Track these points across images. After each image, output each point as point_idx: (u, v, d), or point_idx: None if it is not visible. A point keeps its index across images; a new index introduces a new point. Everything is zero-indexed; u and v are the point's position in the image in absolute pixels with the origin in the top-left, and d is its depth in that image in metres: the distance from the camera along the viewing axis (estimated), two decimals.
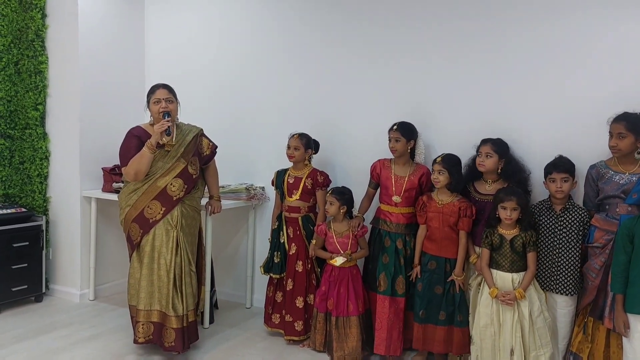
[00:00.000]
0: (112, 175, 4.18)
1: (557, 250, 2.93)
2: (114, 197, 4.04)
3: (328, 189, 3.55)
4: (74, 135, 4.23)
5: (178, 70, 4.51)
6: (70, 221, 4.30)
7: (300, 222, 3.57)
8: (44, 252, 4.25)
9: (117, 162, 4.18)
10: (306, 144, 3.58)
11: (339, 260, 3.30)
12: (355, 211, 3.50)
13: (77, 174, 4.24)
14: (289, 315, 3.51)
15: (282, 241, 3.59)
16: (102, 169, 4.27)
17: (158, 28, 4.68)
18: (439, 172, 3.15)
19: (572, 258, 2.90)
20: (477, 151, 3.18)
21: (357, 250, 3.40)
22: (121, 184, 4.04)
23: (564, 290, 2.91)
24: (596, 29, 3.09)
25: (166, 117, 3.21)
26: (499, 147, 3.12)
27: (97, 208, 4.27)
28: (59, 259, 4.39)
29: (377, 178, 3.43)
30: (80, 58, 4.19)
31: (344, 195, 3.38)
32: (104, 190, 4.24)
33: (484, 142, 3.16)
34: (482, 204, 3.15)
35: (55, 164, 4.35)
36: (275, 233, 3.65)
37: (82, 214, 4.26)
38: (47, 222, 4.35)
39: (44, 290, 4.27)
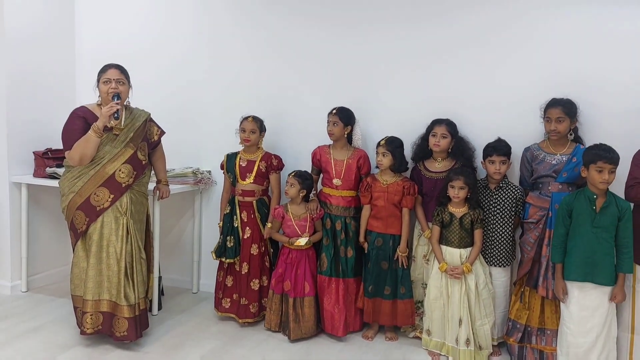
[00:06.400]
0: (44, 160, 3.91)
1: (491, 225, 3.13)
2: (47, 182, 3.83)
3: (284, 171, 3.57)
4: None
5: (115, 48, 4.19)
6: None
7: (254, 206, 3.55)
8: None
9: (50, 146, 3.97)
10: (260, 127, 3.56)
11: (303, 241, 3.34)
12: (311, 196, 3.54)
13: (5, 159, 3.94)
14: (244, 299, 3.51)
15: (235, 225, 3.56)
16: (33, 152, 3.98)
17: (91, 6, 4.40)
18: (383, 155, 3.27)
19: (505, 232, 3.12)
20: (431, 131, 3.28)
21: (314, 233, 3.45)
22: (56, 169, 3.84)
23: (498, 262, 3.13)
24: (530, 19, 3.30)
25: (115, 100, 3.06)
26: (453, 128, 3.27)
27: (28, 195, 3.99)
28: None
29: (318, 164, 3.52)
30: (5, 35, 3.86)
31: (306, 179, 3.41)
32: (36, 175, 3.97)
33: (439, 122, 3.28)
34: (433, 182, 3.29)
35: None
36: (228, 217, 3.60)
37: (11, 201, 3.97)
38: None
39: None
